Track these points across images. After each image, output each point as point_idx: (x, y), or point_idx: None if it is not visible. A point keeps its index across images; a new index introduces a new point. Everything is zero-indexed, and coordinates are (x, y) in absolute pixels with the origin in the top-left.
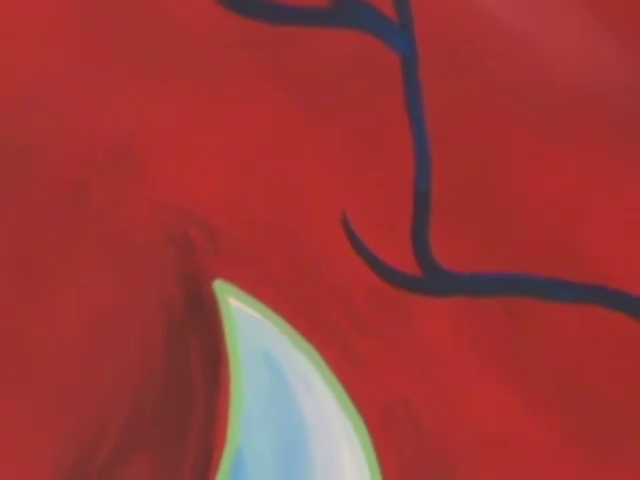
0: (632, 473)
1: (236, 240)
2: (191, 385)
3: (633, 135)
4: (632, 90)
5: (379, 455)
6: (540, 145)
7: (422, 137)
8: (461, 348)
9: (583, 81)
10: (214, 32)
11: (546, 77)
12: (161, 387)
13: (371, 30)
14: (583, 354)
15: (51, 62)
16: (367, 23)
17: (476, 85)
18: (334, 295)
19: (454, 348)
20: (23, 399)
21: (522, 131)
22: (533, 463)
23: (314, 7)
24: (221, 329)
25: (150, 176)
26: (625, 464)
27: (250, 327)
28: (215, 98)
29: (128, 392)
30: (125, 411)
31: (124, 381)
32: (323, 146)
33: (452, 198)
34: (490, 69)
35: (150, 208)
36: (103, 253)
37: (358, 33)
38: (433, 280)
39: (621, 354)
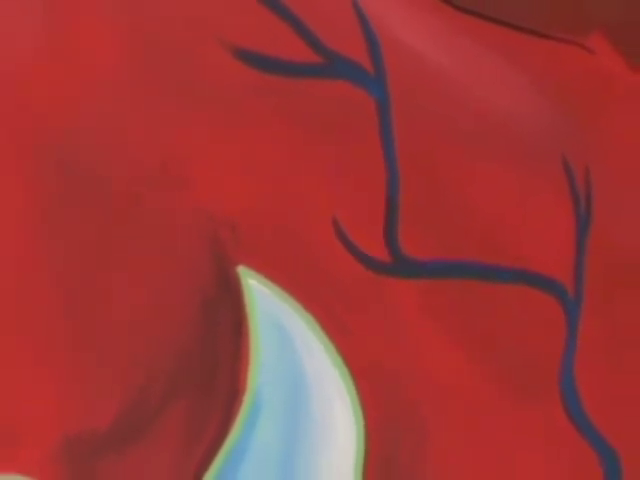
0: (547, 407)
1: (253, 236)
2: (220, 346)
3: (538, 155)
4: (539, 120)
5: (362, 403)
6: (475, 164)
7: (392, 158)
8: (425, 319)
9: (505, 115)
10: (237, 79)
11: (477, 112)
12: (197, 347)
13: (354, 80)
14: (516, 321)
15: (115, 100)
16: (351, 74)
17: (430, 120)
18: (326, 278)
19: (419, 319)
20: (94, 352)
21: (463, 153)
22: (476, 404)
23: (312, 63)
24: (243, 303)
25: (189, 189)
26: (541, 401)
27: (265, 302)
28: (238, 129)
29: (172, 351)
30: (169, 366)
31: (170, 343)
32: (317, 165)
33: (415, 204)
34: (438, 107)
35: (189, 214)
36: (154, 249)
37: (344, 82)
38: (400, 266)
39: (538, 320)
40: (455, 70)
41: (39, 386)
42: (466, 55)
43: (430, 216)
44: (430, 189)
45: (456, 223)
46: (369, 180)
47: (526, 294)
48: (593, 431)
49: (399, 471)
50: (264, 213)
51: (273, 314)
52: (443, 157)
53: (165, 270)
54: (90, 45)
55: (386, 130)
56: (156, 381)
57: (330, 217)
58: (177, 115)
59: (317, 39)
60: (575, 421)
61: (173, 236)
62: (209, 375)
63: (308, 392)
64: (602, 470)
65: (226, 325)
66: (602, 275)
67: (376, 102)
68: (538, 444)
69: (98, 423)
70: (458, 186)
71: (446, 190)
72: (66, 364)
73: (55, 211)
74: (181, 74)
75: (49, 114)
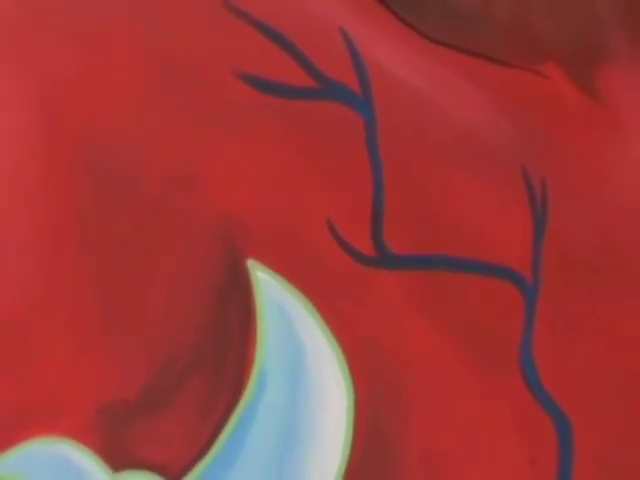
0: (509, 379)
1: (259, 234)
2: (232, 327)
3: (501, 166)
4: (502, 136)
5: (352, 372)
6: (448, 173)
7: (377, 169)
8: (405, 303)
9: (473, 132)
10: (244, 99)
11: (450, 129)
12: (212, 328)
13: (344, 101)
14: (482, 306)
15: (139, 115)
16: (342, 97)
17: (410, 136)
18: (322, 269)
19: (400, 304)
20: (124, 333)
21: (438, 164)
22: (449, 377)
23: (309, 87)
24: (251, 291)
25: (205, 193)
26: (504, 374)
27: (270, 290)
28: (245, 141)
29: (191, 332)
30: (188, 345)
31: (188, 325)
32: (314, 173)
33: (397, 207)
34: (417, 125)
35: (205, 214)
36: (175, 243)
37: (336, 103)
38: (384, 259)
39: (501, 305)
40: (431, 93)
41: (78, 362)
42: (440, 80)
43: (410, 217)
44: (410, 195)
45: (432, 223)
46: (358, 187)
47: (490, 283)
48: (549, 401)
49: (384, 429)
50: (269, 214)
51: (277, 300)
52: (421, 167)
53: (184, 262)
54: (119, 69)
55: (372, 144)
56: (177, 358)
57: (325, 217)
58: (193, 128)
59: (313, 66)
60: (533, 392)
61: (191, 233)
62: (222, 352)
63: (306, 365)
64: (556, 434)
65: (237, 309)
66: (556, 266)
67: (364, 120)
68: (501, 412)
69: (127, 393)
70: (434, 192)
71: (424, 195)
72: (100, 344)
73: (91, 209)
74: (195, 94)
75: (85, 126)
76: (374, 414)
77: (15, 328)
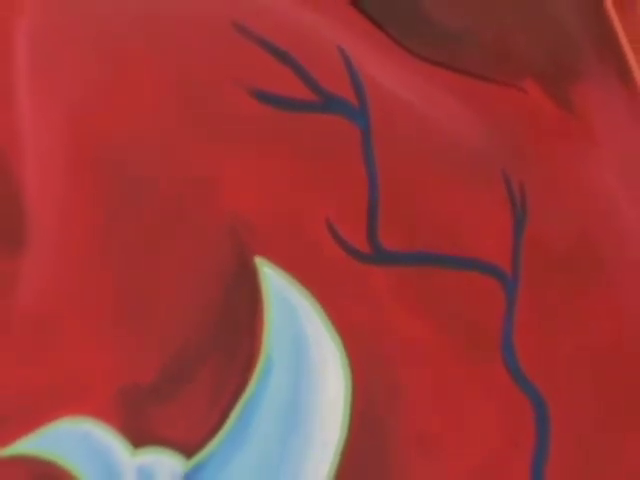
0: (491, 364)
1: (266, 233)
2: (241, 316)
3: (483, 171)
4: (484, 144)
5: (348, 355)
6: (436, 177)
7: (373, 174)
8: (396, 295)
9: (458, 140)
10: (252, 112)
11: (438, 138)
12: (223, 318)
13: (343, 113)
14: (466, 298)
15: (160, 127)
16: (341, 109)
17: (403, 145)
18: (322, 264)
19: (392, 295)
20: (142, 323)
21: (428, 169)
22: (435, 361)
23: (311, 101)
24: (258, 284)
25: (217, 196)
26: (487, 359)
27: (275, 283)
28: (254, 150)
29: (203, 321)
30: (200, 333)
31: (201, 315)
32: (315, 179)
33: (390, 209)
34: (409, 135)
35: (217, 215)
36: (191, 241)
37: (336, 115)
38: (378, 256)
39: (484, 297)
40: (421, 106)
41: (100, 349)
42: (430, 95)
43: (402, 218)
44: (402, 197)
45: (422, 223)
46: (354, 190)
47: (474, 277)
48: (527, 383)
49: (378, 407)
50: (274, 216)
51: (281, 292)
52: (412, 173)
53: (198, 257)
54: (139, 85)
55: (368, 152)
56: (190, 344)
57: (324, 218)
58: (207, 138)
59: (315, 82)
60: (513, 375)
61: (206, 233)
62: (232, 339)
63: (308, 349)
64: (533, 414)
65: (246, 301)
66: (534, 262)
67: (360, 131)
68: (485, 395)
69: (145, 377)
70: (424, 195)
71: (415, 198)
72: (120, 332)
73: (114, 210)
74: (208, 107)
75: (109, 136)
76: (369, 393)
77: (46, 319)
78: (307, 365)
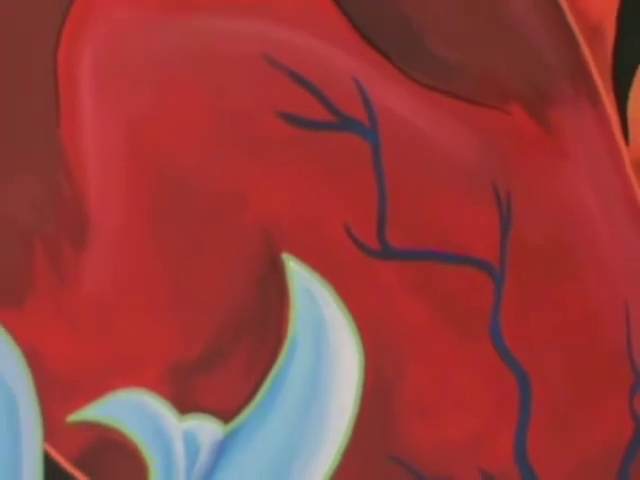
0: (481, 344)
1: (292, 234)
2: (270, 305)
3: (475, 182)
4: (476, 159)
5: (362, 339)
6: (436, 186)
7: (382, 184)
8: (402, 287)
9: (454, 155)
10: (277, 131)
11: (437, 153)
12: (255, 306)
13: (356, 131)
14: (461, 289)
15: (200, 146)
16: (354, 128)
17: (408, 159)
18: (339, 260)
19: (398, 287)
20: (188, 309)
21: (429, 180)
22: (434, 343)
23: (327, 120)
24: (285, 277)
25: (251, 203)
26: (477, 340)
27: (299, 276)
28: (280, 164)
29: (238, 309)
30: (235, 318)
31: (236, 303)
32: (332, 188)
33: (397, 213)
34: (413, 150)
35: (251, 220)
36: (228, 241)
37: (349, 133)
38: (387, 253)
39: (475, 288)
40: (424, 126)
41: (153, 329)
42: (431, 116)
43: (407, 221)
44: (407, 204)
45: (423, 226)
46: (366, 198)
47: (467, 271)
48: (512, 360)
49: (386, 380)
50: (299, 219)
51: (305, 284)
52: (416, 183)
53: (236, 255)
54: (184, 108)
55: (378, 166)
56: (228, 327)
57: (341, 221)
58: (240, 155)
59: (332, 105)
60: (499, 353)
61: (242, 234)
62: (263, 323)
63: (327, 333)
64: (518, 388)
65: (274, 291)
66: (518, 258)
67: (371, 147)
68: (476, 371)
69: (190, 353)
70: (425, 202)
71: (417, 205)
72: (171, 315)
73: (165, 215)
74: (243, 128)
75: (159, 153)
76: (378, 370)
77: (108, 303)
78: (326, 345)
